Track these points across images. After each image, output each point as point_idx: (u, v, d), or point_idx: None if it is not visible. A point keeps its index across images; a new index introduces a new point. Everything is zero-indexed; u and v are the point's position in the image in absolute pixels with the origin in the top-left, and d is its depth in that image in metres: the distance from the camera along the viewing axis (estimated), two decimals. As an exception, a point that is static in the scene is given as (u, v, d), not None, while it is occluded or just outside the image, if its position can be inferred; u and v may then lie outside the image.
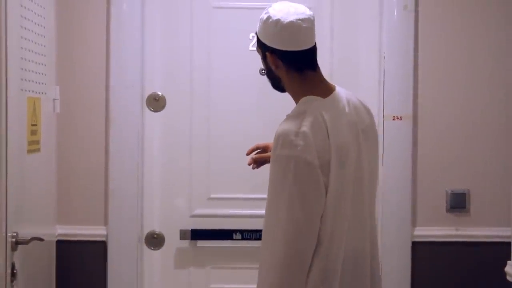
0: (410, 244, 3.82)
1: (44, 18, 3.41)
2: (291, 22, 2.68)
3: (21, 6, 3.09)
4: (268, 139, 2.97)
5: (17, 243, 2.96)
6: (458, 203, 3.83)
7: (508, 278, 3.24)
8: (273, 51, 2.73)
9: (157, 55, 3.90)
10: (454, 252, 3.83)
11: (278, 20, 2.68)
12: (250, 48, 3.88)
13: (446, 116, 3.83)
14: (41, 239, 3.17)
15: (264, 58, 2.79)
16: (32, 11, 3.23)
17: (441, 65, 3.83)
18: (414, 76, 3.81)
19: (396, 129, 3.82)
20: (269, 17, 2.71)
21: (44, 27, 3.42)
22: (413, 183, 3.82)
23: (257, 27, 2.78)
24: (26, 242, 3.01)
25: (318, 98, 2.70)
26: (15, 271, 2.95)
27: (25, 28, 3.14)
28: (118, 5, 3.77)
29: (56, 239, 3.73)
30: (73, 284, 3.77)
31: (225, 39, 3.92)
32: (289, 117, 2.65)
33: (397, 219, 3.81)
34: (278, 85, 2.84)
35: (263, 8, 2.78)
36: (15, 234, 2.94)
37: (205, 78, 3.92)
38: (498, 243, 3.70)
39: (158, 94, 3.91)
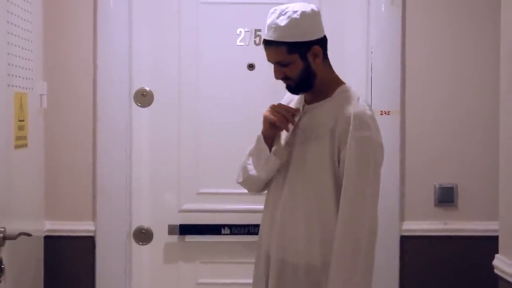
0: (398, 239, 3.83)
1: (31, 13, 3.40)
2: (318, 9, 2.91)
3: (7, 1, 3.08)
4: (256, 134, 2.99)
5: (4, 238, 2.95)
6: (446, 197, 3.84)
7: (496, 271, 3.24)
8: (318, 42, 2.89)
9: (144, 51, 3.89)
10: (442, 246, 3.84)
11: (312, 11, 2.87)
12: (238, 43, 3.88)
13: (434, 111, 3.84)
14: (29, 235, 3.16)
15: (303, 58, 2.87)
16: (18, 6, 3.22)
17: (428, 60, 3.83)
18: (401, 71, 3.82)
19: (384, 124, 3.77)
20: (303, 13, 2.84)
21: (31, 22, 3.41)
22: (401, 178, 3.83)
23: (281, 36, 2.83)
24: (13, 237, 2.99)
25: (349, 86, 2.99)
26: (2, 266, 2.94)
27: (12, 23, 3.13)
28: (105, 0, 3.77)
29: (44, 234, 3.72)
30: (61, 280, 3.77)
31: (213, 35, 3.91)
32: (345, 99, 2.89)
33: (385, 214, 3.80)
34: (309, 83, 2.94)
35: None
36: (2, 229, 2.94)
37: (193, 73, 3.91)
38: (486, 237, 3.72)
39: (145, 90, 3.90)
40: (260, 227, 3.10)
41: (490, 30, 3.77)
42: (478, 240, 3.81)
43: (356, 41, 3.90)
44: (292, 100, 3.08)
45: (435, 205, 3.85)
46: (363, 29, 3.89)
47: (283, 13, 2.83)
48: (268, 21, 2.86)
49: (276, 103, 2.97)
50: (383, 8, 3.82)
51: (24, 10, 3.31)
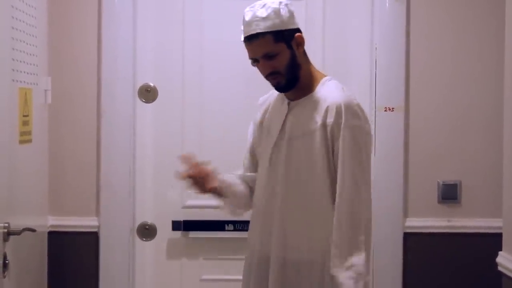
0: (401, 235, 3.83)
1: (35, 8, 3.40)
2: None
3: (12, -4, 3.09)
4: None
5: (8, 233, 2.94)
6: (449, 194, 3.84)
7: (500, 268, 3.24)
8: (299, 30, 2.92)
9: (148, 46, 3.90)
10: (445, 243, 3.84)
11: (287, 1, 2.91)
12: (242, 38, 3.87)
13: (438, 107, 3.83)
14: (33, 230, 3.17)
15: (289, 47, 2.89)
16: (23, 1, 3.22)
17: (432, 56, 3.83)
18: (406, 67, 3.82)
19: (388, 120, 3.82)
20: (280, 3, 2.87)
21: (36, 18, 3.41)
22: (405, 174, 3.83)
23: (266, 26, 2.85)
24: (18, 232, 3.00)
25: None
26: (6, 261, 2.93)
27: (16, 19, 3.13)
28: (110, -4, 3.79)
29: (48, 230, 3.73)
30: (65, 275, 3.77)
31: (217, 30, 3.91)
32: (330, 91, 2.88)
33: (389, 210, 3.81)
34: (296, 76, 2.93)
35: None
36: (6, 224, 2.93)
37: (197, 69, 3.91)
38: (489, 234, 3.71)
39: (150, 85, 3.90)
40: (250, 227, 3.11)
41: (494, 26, 3.76)
42: (481, 237, 3.81)
43: (360, 38, 3.90)
44: (271, 102, 3.09)
45: (439, 202, 3.85)
46: (367, 25, 3.89)
47: (261, 6, 2.86)
48: (247, 18, 2.87)
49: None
50: (387, 4, 3.82)
51: (29, 5, 3.31)
